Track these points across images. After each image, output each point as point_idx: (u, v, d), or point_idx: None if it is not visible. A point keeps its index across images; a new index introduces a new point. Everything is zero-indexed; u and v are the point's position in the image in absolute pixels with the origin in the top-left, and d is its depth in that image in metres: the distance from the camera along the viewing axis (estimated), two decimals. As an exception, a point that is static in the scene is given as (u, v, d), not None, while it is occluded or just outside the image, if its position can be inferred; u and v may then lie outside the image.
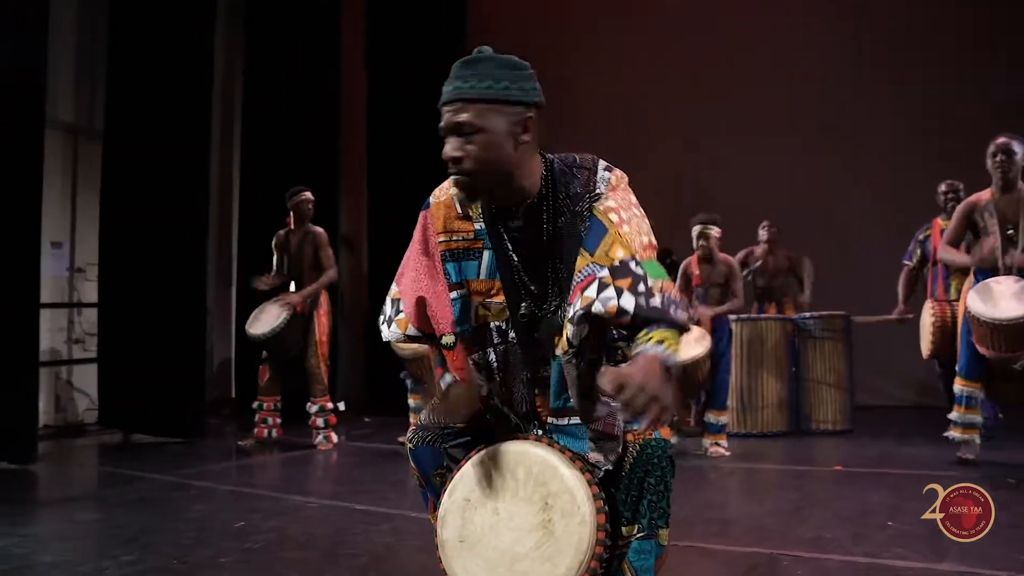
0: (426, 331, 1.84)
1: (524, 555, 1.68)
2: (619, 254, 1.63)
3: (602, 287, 1.60)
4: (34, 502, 3.87)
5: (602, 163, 1.77)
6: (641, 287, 1.59)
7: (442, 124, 1.65)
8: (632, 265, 1.62)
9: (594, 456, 1.73)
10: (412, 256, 1.85)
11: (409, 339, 1.88)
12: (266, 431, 5.57)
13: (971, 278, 4.12)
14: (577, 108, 8.57)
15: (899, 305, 5.40)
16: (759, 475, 4.59)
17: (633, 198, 1.76)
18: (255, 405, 5.65)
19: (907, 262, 5.33)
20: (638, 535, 1.72)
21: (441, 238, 1.81)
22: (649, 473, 1.70)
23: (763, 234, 6.27)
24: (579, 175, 1.75)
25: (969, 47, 6.92)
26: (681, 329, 1.62)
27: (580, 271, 1.66)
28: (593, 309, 1.59)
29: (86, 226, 6.93)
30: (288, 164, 7.29)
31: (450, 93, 1.64)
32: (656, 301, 1.58)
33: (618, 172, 1.77)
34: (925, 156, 6.59)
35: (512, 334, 1.82)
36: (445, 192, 1.83)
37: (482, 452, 1.79)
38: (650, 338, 1.55)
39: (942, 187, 5.07)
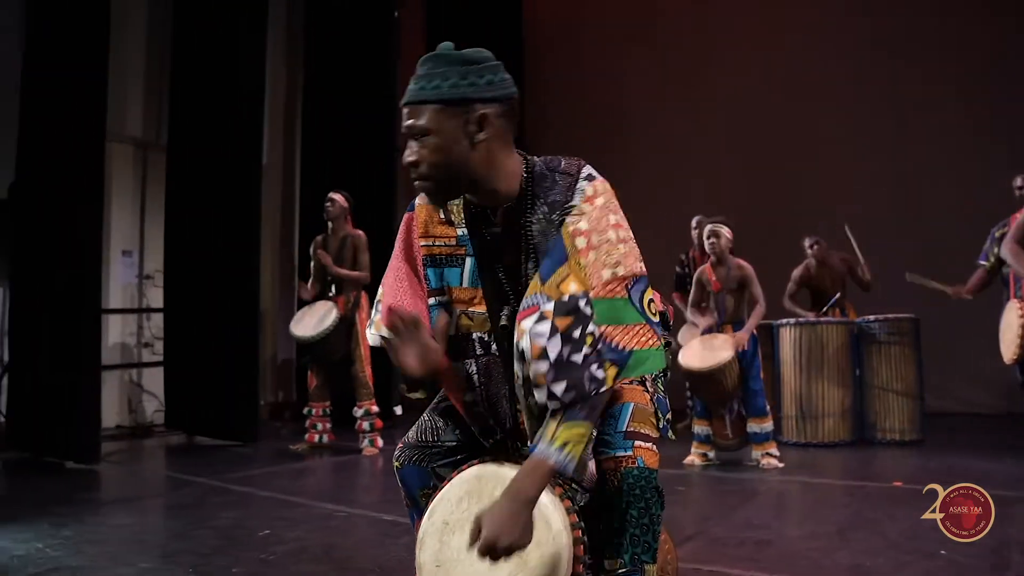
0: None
1: None
2: (571, 288, 1.52)
3: (540, 320, 1.50)
4: (82, 503, 3.99)
5: (586, 170, 1.64)
6: (577, 332, 1.49)
7: (403, 128, 1.60)
8: (581, 303, 1.51)
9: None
10: (394, 259, 1.79)
11: (384, 340, 1.81)
12: (316, 436, 5.65)
13: None
14: (628, 111, 8.48)
15: (966, 286, 4.99)
16: (809, 490, 4.32)
17: (613, 217, 1.60)
18: (305, 411, 5.73)
19: (982, 262, 4.93)
20: (620, 570, 1.60)
21: (423, 242, 1.74)
22: (631, 505, 1.56)
23: (811, 252, 5.98)
24: (560, 181, 1.63)
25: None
26: (590, 409, 1.50)
27: (527, 297, 1.55)
28: (520, 344, 1.50)
29: (154, 235, 7.20)
30: (347, 169, 7.40)
31: (407, 96, 1.58)
32: (578, 357, 1.47)
33: (600, 183, 1.63)
34: (1010, 147, 6.15)
35: (494, 346, 1.73)
36: None
37: (464, 473, 1.71)
38: (555, 438, 1.48)
39: (1017, 181, 4.68)
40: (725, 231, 4.78)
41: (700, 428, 4.86)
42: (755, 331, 4.79)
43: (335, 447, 5.69)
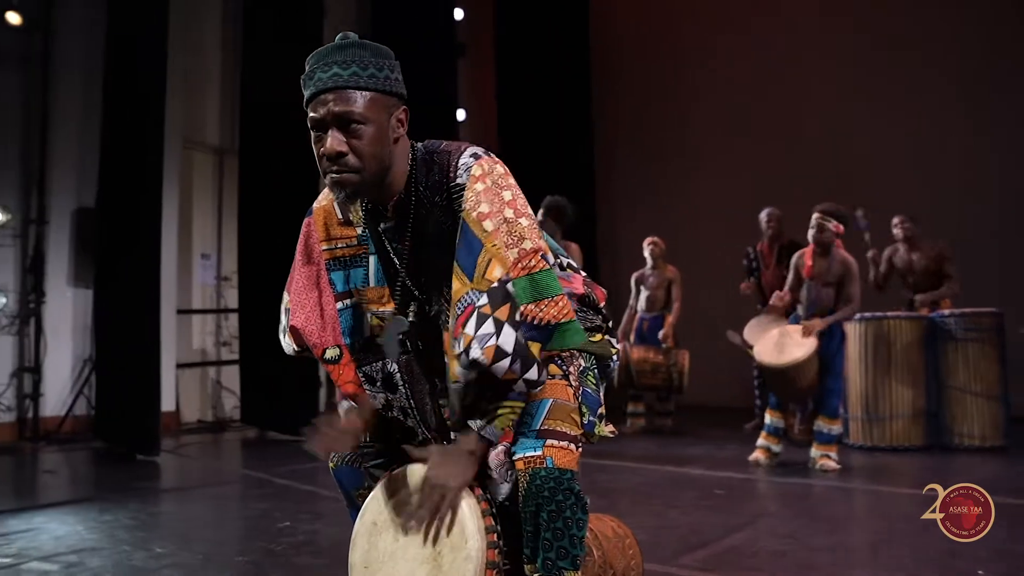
0: (304, 348, 1.73)
1: None
2: (496, 273, 1.47)
3: (480, 320, 1.44)
4: (134, 491, 4.20)
5: (470, 149, 1.57)
6: (518, 315, 1.45)
7: (318, 115, 1.48)
8: (509, 287, 1.46)
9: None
10: (296, 266, 1.75)
11: (298, 354, 1.79)
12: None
13: None
14: (695, 118, 8.30)
15: None
16: (859, 498, 4.02)
17: (507, 194, 1.54)
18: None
19: None
20: (534, 575, 1.53)
21: (325, 246, 1.70)
22: (541, 508, 1.48)
23: (898, 232, 5.57)
24: (439, 160, 1.57)
25: None
26: (540, 374, 1.49)
27: (459, 300, 1.49)
28: (471, 355, 1.43)
29: (231, 238, 7.54)
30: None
31: (327, 80, 1.47)
32: (520, 337, 1.44)
33: (487, 161, 1.56)
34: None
35: (409, 343, 1.69)
36: (326, 197, 1.71)
37: (392, 473, 1.68)
38: (490, 413, 1.50)
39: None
40: (831, 225, 4.47)
41: (772, 419, 4.62)
42: (845, 329, 4.55)
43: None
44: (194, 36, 7.26)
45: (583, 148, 9.07)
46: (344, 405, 1.75)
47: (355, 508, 1.77)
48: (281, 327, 1.79)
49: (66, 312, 6.46)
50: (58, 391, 6.33)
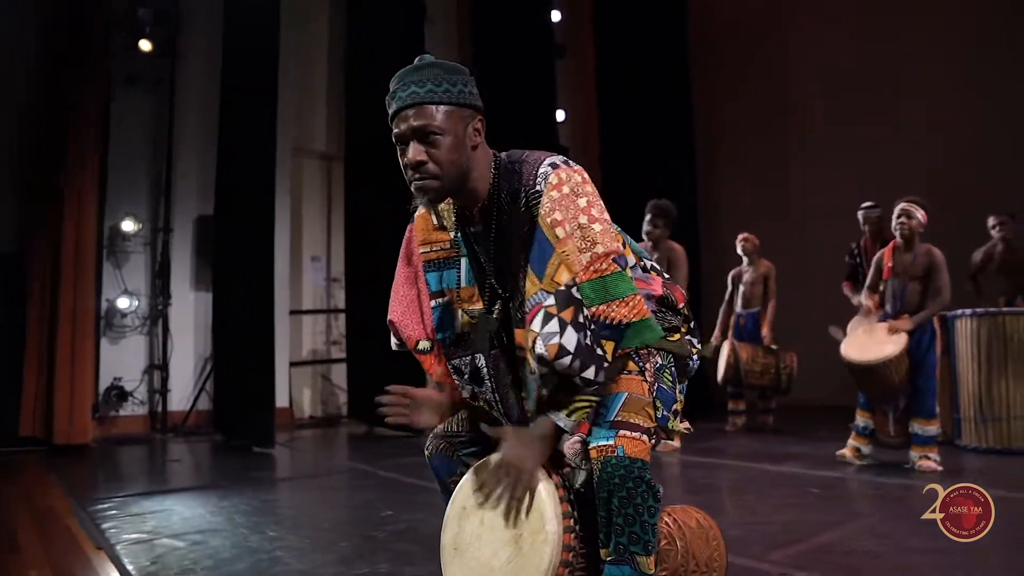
0: (402, 341, 1.88)
1: (497, 568, 1.66)
2: (563, 278, 1.57)
3: (547, 319, 1.54)
4: (250, 480, 4.52)
5: (549, 159, 1.66)
6: (582, 317, 1.54)
7: (400, 130, 1.62)
8: (574, 291, 1.56)
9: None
10: (398, 268, 1.91)
11: (399, 347, 1.93)
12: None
13: None
14: (794, 102, 8.06)
15: None
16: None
17: (583, 201, 1.61)
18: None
19: None
20: (609, 559, 1.60)
21: (422, 249, 1.84)
22: (612, 494, 1.55)
23: (995, 233, 5.29)
24: (519, 171, 1.67)
25: None
26: (597, 375, 1.56)
27: (529, 298, 1.60)
28: (536, 348, 1.54)
29: (339, 241, 7.91)
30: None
31: (406, 98, 1.62)
32: (588, 337, 1.53)
33: (565, 170, 1.64)
34: None
35: (497, 340, 1.80)
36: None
37: (482, 461, 1.79)
38: (567, 406, 1.58)
39: None
40: (919, 212, 4.30)
41: (861, 420, 4.50)
42: (936, 325, 4.35)
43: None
44: (303, 49, 7.67)
45: (684, 147, 8.98)
46: (431, 383, 1.88)
47: (448, 494, 1.89)
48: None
49: (188, 313, 6.97)
50: (182, 387, 6.84)
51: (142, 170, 6.81)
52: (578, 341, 1.52)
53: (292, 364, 7.55)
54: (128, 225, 6.49)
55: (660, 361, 1.74)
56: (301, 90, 7.67)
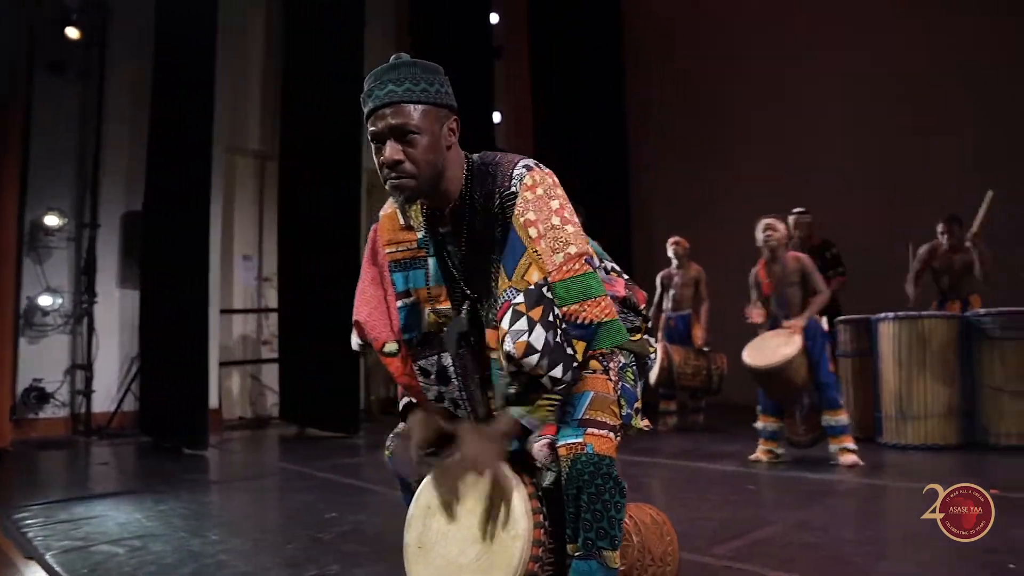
0: (368, 342, 1.86)
1: (465, 566, 1.66)
2: (534, 277, 1.59)
3: (515, 317, 1.56)
4: (185, 483, 4.39)
5: (523, 161, 1.69)
6: (551, 316, 1.56)
7: (377, 128, 1.61)
8: (544, 291, 1.58)
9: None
10: (363, 268, 1.90)
11: (361, 348, 1.92)
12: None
13: None
14: (730, 108, 8.32)
15: None
16: (889, 494, 4.06)
17: (555, 203, 1.65)
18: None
19: None
20: (577, 554, 1.63)
21: (388, 249, 1.83)
22: (581, 491, 1.58)
23: (943, 236, 5.61)
24: (493, 172, 1.69)
25: None
26: (565, 374, 1.59)
27: (500, 295, 1.63)
28: (504, 347, 1.56)
29: (272, 239, 7.75)
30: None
31: (384, 97, 1.61)
32: (556, 336, 1.56)
33: (539, 173, 1.68)
34: None
35: (465, 340, 1.81)
36: (391, 205, 1.85)
37: (446, 460, 1.80)
38: (532, 406, 1.60)
39: None
40: (781, 226, 4.65)
41: (766, 424, 4.69)
42: (822, 324, 4.61)
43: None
44: (238, 46, 7.48)
45: (618, 149, 9.16)
46: (403, 403, 1.87)
47: (410, 494, 1.89)
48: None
49: (114, 312, 6.72)
50: (107, 388, 6.59)
51: (68, 163, 6.52)
52: (546, 340, 1.54)
53: (222, 364, 7.36)
54: (51, 220, 6.22)
55: (623, 360, 1.78)
56: (235, 87, 7.47)
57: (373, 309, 1.84)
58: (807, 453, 4.78)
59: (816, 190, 7.23)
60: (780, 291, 4.65)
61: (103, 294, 6.59)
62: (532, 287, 1.58)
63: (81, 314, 6.47)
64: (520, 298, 1.57)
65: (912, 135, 7.13)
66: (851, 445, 4.49)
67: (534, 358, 1.54)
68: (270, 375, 7.74)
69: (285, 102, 7.33)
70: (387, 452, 1.93)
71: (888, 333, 5.22)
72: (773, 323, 4.68)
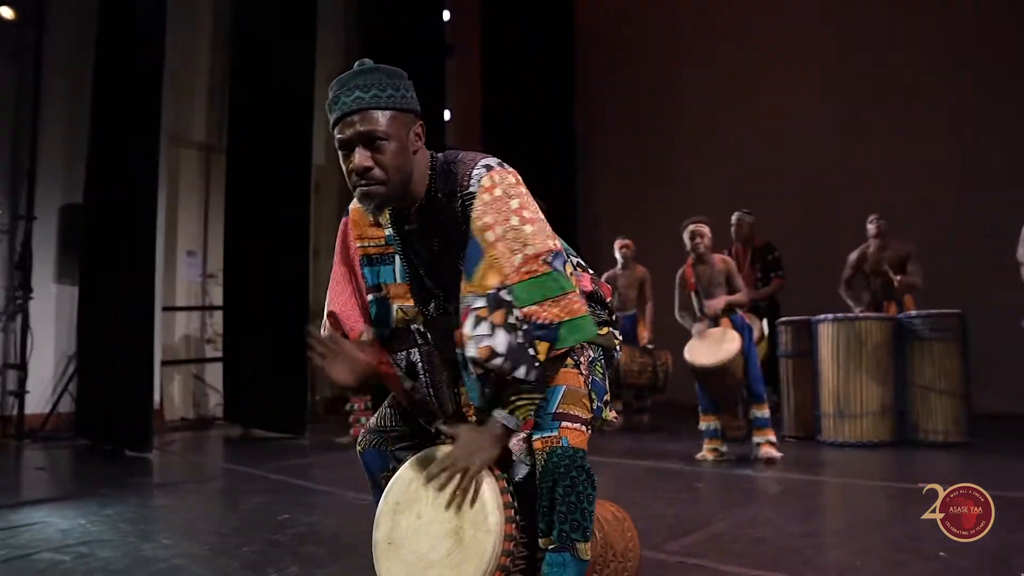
0: (342, 334, 1.86)
1: (436, 561, 1.68)
2: (492, 281, 1.62)
3: (477, 322, 1.60)
4: (130, 486, 4.29)
5: (484, 160, 1.71)
6: (512, 319, 1.60)
7: (346, 135, 1.62)
8: (503, 294, 1.61)
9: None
10: (334, 263, 1.91)
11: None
12: (360, 430, 5.84)
13: None
14: (675, 114, 8.48)
15: None
16: (827, 490, 4.24)
17: (515, 202, 1.67)
18: (348, 407, 5.96)
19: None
20: (551, 547, 1.67)
21: (358, 244, 1.85)
22: (557, 483, 1.62)
23: (871, 228, 5.82)
24: (454, 171, 1.71)
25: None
26: (528, 374, 1.62)
27: (462, 299, 1.65)
28: (467, 352, 1.59)
29: (216, 235, 7.59)
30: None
31: (351, 104, 1.62)
32: (520, 337, 1.59)
33: (498, 172, 1.70)
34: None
35: (427, 336, 1.83)
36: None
37: (416, 456, 1.81)
38: (510, 407, 1.63)
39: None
40: (707, 230, 4.84)
41: (708, 424, 4.84)
42: (747, 321, 4.80)
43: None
44: (184, 34, 7.29)
45: (566, 150, 9.24)
46: (366, 335, 1.85)
47: (379, 489, 1.90)
48: (322, 322, 1.92)
49: (50, 309, 6.49)
50: (42, 389, 6.35)
51: (2, 151, 6.26)
52: (508, 343, 1.58)
53: (164, 363, 7.17)
54: (-17, 212, 5.97)
55: (592, 355, 1.83)
56: (181, 76, 7.30)
57: (347, 300, 1.86)
58: (742, 450, 4.92)
59: (758, 192, 7.44)
60: (708, 292, 4.82)
61: (39, 289, 6.35)
62: (491, 292, 1.61)
63: (15, 311, 6.22)
64: (480, 302, 1.61)
65: (849, 136, 7.38)
66: (773, 438, 4.68)
67: (498, 361, 1.58)
68: (213, 375, 7.58)
69: (234, 93, 7.18)
70: (359, 447, 1.95)
71: (827, 334, 5.42)
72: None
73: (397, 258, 1.80)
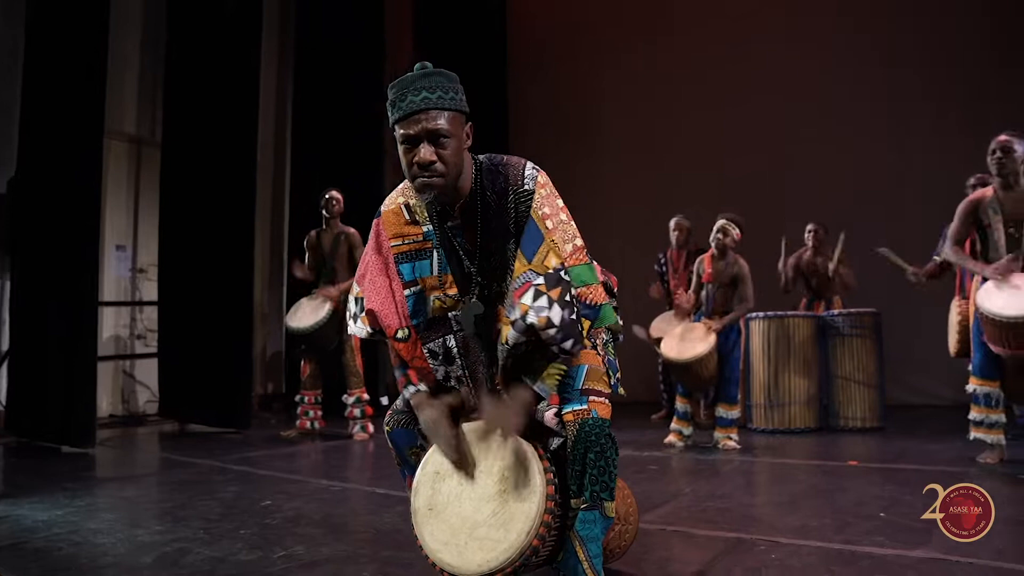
0: (376, 330, 2.03)
1: (482, 522, 1.85)
2: (553, 262, 1.84)
3: (537, 295, 1.80)
4: (88, 480, 4.23)
5: (528, 163, 1.95)
6: (567, 297, 1.81)
7: (413, 131, 1.79)
8: (562, 274, 1.83)
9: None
10: (369, 259, 2.06)
11: (371, 335, 2.07)
12: (308, 423, 5.88)
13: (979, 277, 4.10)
14: (605, 116, 8.77)
15: (925, 268, 5.29)
16: (771, 469, 4.63)
17: (559, 201, 1.93)
18: (297, 398, 5.97)
19: (936, 257, 5.26)
20: (582, 506, 1.88)
21: (394, 242, 2.01)
22: (589, 449, 1.85)
23: (809, 239, 6.31)
24: (504, 172, 1.93)
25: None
26: (574, 347, 1.84)
27: (518, 276, 1.85)
28: (527, 319, 1.78)
29: (147, 230, 7.41)
30: (336, 170, 7.61)
31: (419, 103, 1.79)
32: (574, 316, 1.81)
33: (543, 175, 1.94)
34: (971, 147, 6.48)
35: (478, 321, 2.01)
36: (394, 201, 2.04)
37: (460, 427, 1.97)
38: (543, 377, 1.85)
39: (971, 180, 5.01)
40: (734, 231, 5.05)
41: (681, 405, 5.17)
42: (741, 326, 5.13)
43: (325, 433, 5.94)
44: (115, 25, 7.06)
45: (497, 152, 9.43)
46: (409, 390, 2.02)
47: (407, 465, 2.09)
48: (351, 313, 2.07)
49: (-26, 303, 6.19)
50: (-35, 385, 6.06)
51: (-79, 137, 5.95)
52: (563, 316, 1.80)
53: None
54: (-97, 199, 5.65)
55: (606, 337, 2.10)
56: (111, 68, 7.06)
57: (384, 299, 2.01)
58: (700, 439, 5.28)
59: (688, 193, 7.78)
60: (714, 287, 5.10)
61: (-36, 283, 6.06)
62: (551, 271, 1.83)
63: (-62, 304, 5.92)
64: (540, 279, 1.82)
65: (790, 140, 7.76)
66: (735, 436, 5.07)
67: (552, 331, 1.79)
68: (144, 371, 7.39)
69: (168, 85, 7.02)
70: (387, 427, 2.11)
71: (758, 331, 5.87)
72: (699, 315, 5.17)
73: (435, 252, 1.98)
